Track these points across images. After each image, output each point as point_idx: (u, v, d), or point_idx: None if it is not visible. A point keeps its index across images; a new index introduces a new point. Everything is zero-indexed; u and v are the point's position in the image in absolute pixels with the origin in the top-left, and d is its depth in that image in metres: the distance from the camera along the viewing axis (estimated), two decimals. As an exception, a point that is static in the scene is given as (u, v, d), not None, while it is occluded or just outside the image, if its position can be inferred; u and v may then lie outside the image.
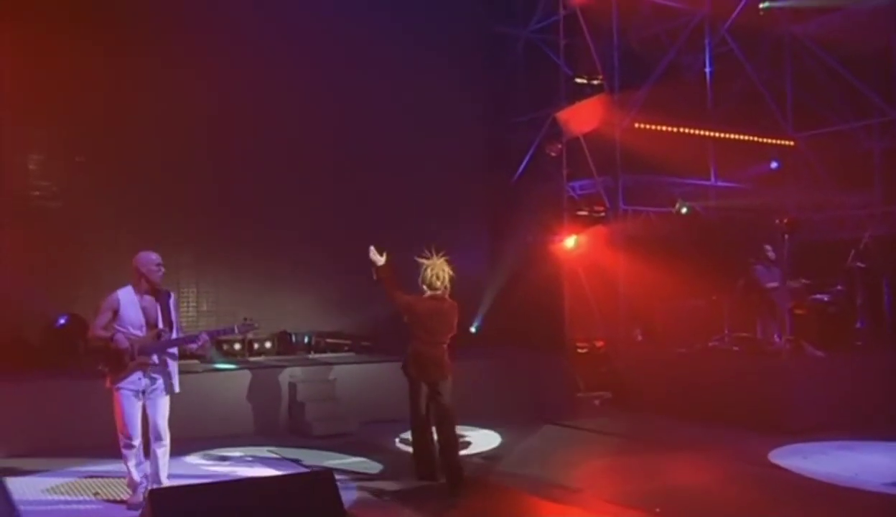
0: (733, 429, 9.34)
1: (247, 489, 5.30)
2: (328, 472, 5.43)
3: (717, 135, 14.48)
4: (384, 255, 7.30)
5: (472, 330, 13.04)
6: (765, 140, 15.11)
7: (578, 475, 7.70)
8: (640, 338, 12.20)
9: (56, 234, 10.22)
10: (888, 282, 10.61)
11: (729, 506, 6.76)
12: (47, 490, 7.00)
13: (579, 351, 12.79)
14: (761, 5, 14.87)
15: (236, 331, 6.89)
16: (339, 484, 6.72)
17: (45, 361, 9.42)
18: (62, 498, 6.76)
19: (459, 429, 7.65)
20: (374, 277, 7.30)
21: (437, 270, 7.24)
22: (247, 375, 9.78)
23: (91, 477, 7.36)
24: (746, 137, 14.84)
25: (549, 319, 12.91)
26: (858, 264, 10.49)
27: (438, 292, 7.26)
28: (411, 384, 7.36)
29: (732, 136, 14.64)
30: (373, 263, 7.27)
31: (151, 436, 6.47)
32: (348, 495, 6.81)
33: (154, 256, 6.43)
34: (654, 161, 13.11)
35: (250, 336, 10.63)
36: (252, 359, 10.58)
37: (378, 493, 6.98)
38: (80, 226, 10.35)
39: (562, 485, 7.22)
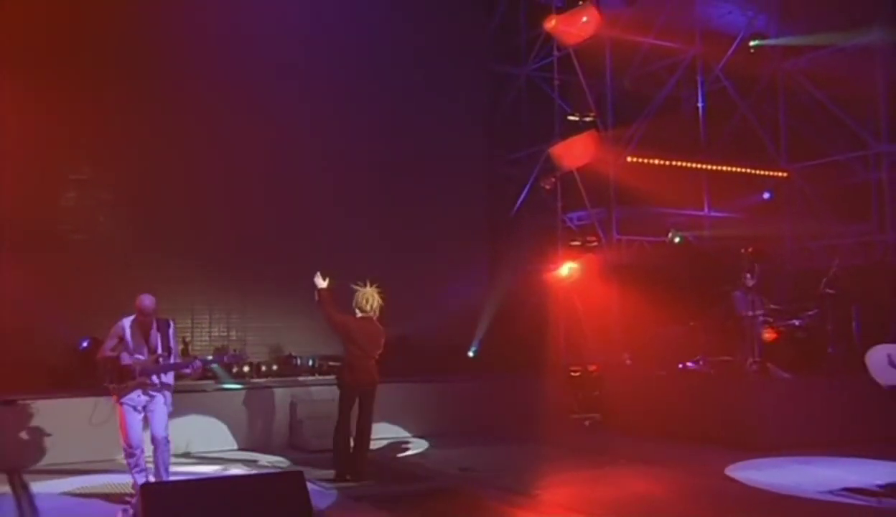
0: (702, 446, 10.05)
1: (226, 485, 6.19)
2: (299, 473, 6.27)
3: (710, 167, 15.24)
4: (326, 280, 8.48)
5: (470, 354, 13.85)
6: (758, 172, 15.84)
7: (543, 484, 8.38)
8: (628, 362, 12.88)
9: (80, 264, 11.28)
10: (857, 309, 11.19)
11: (671, 510, 7.48)
12: (64, 493, 7.95)
13: (573, 374, 13.53)
14: (751, 43, 15.72)
15: (225, 361, 7.94)
16: (322, 489, 7.71)
17: (69, 381, 10.39)
18: (75, 499, 7.70)
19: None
20: (316, 298, 8.48)
21: (367, 296, 8.54)
22: (253, 395, 10.73)
23: (105, 481, 8.31)
24: (740, 169, 15.57)
25: (545, 344, 13.70)
26: (828, 291, 11.11)
27: (368, 314, 8.51)
28: (343, 392, 8.59)
29: (726, 168, 15.38)
30: (316, 286, 8.41)
31: (153, 445, 7.40)
32: (328, 499, 7.70)
33: (144, 303, 7.36)
34: (649, 193, 13.90)
35: (257, 360, 11.67)
36: (258, 380, 11.50)
37: (357, 498, 7.82)
38: (102, 257, 11.41)
39: (524, 492, 7.95)
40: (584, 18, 14.03)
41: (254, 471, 8.45)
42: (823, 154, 15.17)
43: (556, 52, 14.54)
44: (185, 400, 10.07)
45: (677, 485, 8.42)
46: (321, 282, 8.49)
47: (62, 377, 10.46)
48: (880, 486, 7.64)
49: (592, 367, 13.52)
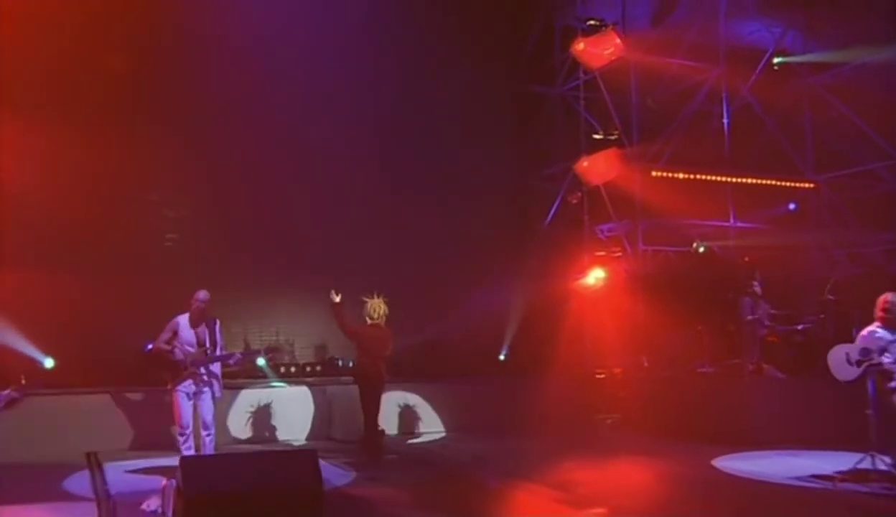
0: (702, 441, 10.88)
1: (250, 459, 7.49)
2: (312, 451, 7.54)
3: (735, 180, 15.96)
4: (339, 295, 9.84)
5: (501, 357, 14.96)
6: (784, 183, 16.50)
7: (543, 471, 9.30)
8: (646, 364, 13.77)
9: (148, 278, 12.74)
10: (859, 314, 11.85)
11: (651, 490, 8.53)
12: (130, 470, 9.42)
13: (598, 377, 14.48)
14: (775, 60, 16.42)
15: (263, 353, 9.35)
16: (342, 471, 8.97)
17: (136, 377, 11.87)
18: (138, 476, 9.15)
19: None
20: (333, 311, 9.84)
21: (375, 306, 9.90)
22: (295, 391, 12.15)
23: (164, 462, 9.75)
24: (766, 182, 16.27)
25: (573, 348, 14.68)
26: (829, 297, 11.84)
27: (376, 321, 9.84)
28: (360, 389, 9.94)
29: (751, 180, 16.09)
30: (331, 301, 9.80)
31: (201, 428, 8.79)
32: (346, 477, 8.96)
33: (200, 295, 8.78)
34: (674, 205, 14.75)
35: (303, 361, 13.11)
36: (304, 379, 12.86)
37: (371, 478, 9.06)
38: (167, 272, 12.85)
39: (525, 478, 8.99)
40: (609, 43, 15.00)
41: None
42: (850, 165, 15.76)
43: (582, 76, 15.58)
44: (236, 395, 11.61)
45: (664, 472, 9.42)
46: (335, 298, 9.88)
47: (130, 374, 11.95)
48: (839, 473, 8.47)
49: (617, 370, 14.46)
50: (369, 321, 10.01)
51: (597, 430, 13.00)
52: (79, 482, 8.82)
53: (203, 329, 8.86)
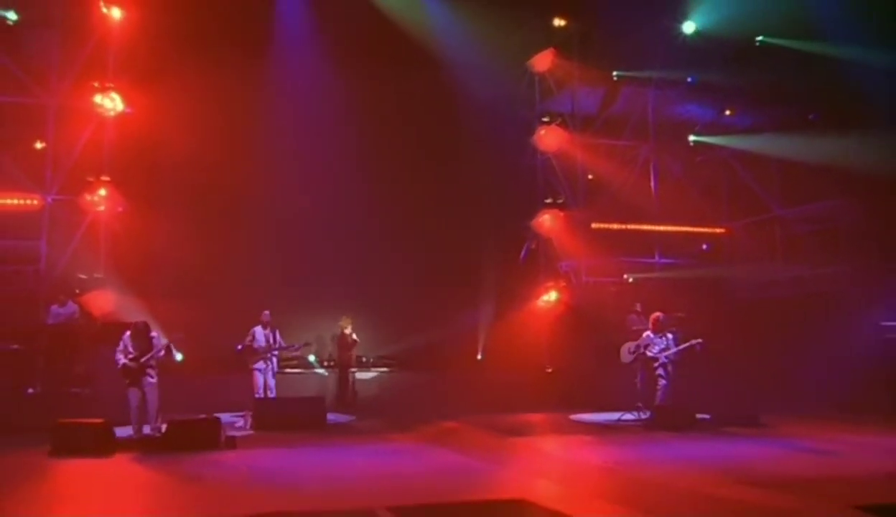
0: (579, 407, 17.74)
1: (290, 401, 15.01)
2: (321, 398, 15.01)
3: (659, 228, 22.68)
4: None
5: (479, 357, 22.03)
6: (700, 229, 23.11)
7: (472, 416, 16.42)
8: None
9: (239, 307, 20.32)
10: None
11: (517, 424, 15.56)
12: (232, 414, 16.93)
13: (548, 371, 21.36)
14: (690, 138, 23.10)
15: (302, 347, 16.91)
16: (346, 416, 16.39)
17: (231, 367, 19.38)
18: (235, 417, 16.64)
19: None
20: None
21: (345, 321, 17.78)
22: (332, 376, 19.53)
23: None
24: (684, 229, 22.91)
25: (532, 351, 21.59)
26: (679, 315, 18.46)
27: (344, 330, 17.55)
28: (338, 371, 17.88)
29: (672, 228, 22.76)
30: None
31: (267, 389, 16.27)
32: (349, 419, 16.31)
33: (265, 315, 16.34)
34: (609, 248, 21.58)
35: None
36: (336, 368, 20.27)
37: (360, 417, 16.40)
38: (250, 297, 20.36)
39: (451, 419, 16.08)
40: (557, 134, 21.95)
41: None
42: (755, 214, 22.32)
43: (539, 156, 22.59)
44: (291, 377, 19.11)
45: (535, 420, 16.44)
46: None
47: (228, 364, 19.48)
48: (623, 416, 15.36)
49: (563, 365, 21.29)
50: (340, 330, 17.80)
51: (538, 405, 19.87)
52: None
53: (269, 333, 16.36)
